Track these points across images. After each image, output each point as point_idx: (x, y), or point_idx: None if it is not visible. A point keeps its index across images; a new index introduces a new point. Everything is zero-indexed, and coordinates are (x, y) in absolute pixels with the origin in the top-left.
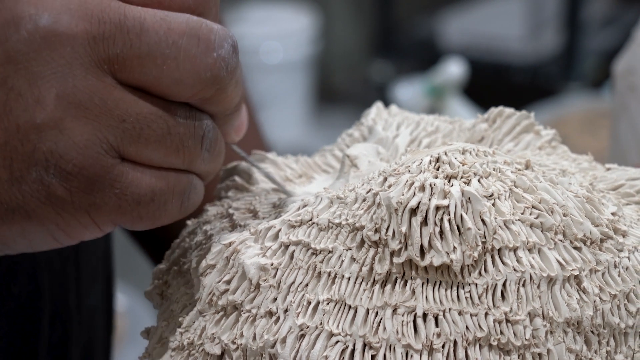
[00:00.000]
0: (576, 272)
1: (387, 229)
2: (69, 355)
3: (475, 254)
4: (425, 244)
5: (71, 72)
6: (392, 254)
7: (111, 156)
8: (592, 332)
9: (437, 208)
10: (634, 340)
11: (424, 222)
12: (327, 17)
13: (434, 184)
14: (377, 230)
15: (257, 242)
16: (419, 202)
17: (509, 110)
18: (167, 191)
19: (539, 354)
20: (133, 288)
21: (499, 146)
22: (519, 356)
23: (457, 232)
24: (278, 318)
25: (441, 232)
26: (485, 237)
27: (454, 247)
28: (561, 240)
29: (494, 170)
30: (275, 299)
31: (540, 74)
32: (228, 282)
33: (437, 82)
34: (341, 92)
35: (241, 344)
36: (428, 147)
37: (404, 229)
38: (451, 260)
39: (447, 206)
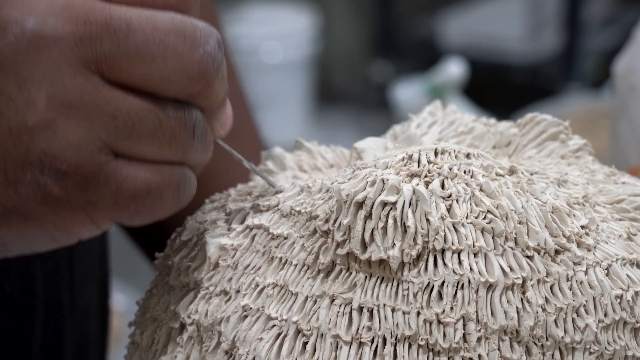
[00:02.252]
0: (520, 281)
1: (335, 220)
2: (63, 354)
3: (413, 253)
4: (367, 239)
5: (60, 74)
6: (337, 245)
7: (104, 153)
8: (534, 342)
9: (385, 204)
10: (582, 356)
11: (369, 216)
12: (327, 17)
13: (387, 180)
14: (326, 221)
15: (227, 222)
16: (366, 197)
17: (540, 117)
18: (162, 184)
19: (470, 358)
20: (133, 288)
21: (521, 152)
22: (448, 358)
23: (400, 229)
24: (230, 298)
25: (384, 228)
26: (428, 237)
27: (393, 244)
28: (511, 248)
29: (464, 172)
30: (230, 279)
31: (540, 74)
32: (192, 259)
33: (437, 82)
34: (341, 92)
35: (195, 319)
36: None
37: (346, 221)
38: (388, 257)
39: (395, 203)
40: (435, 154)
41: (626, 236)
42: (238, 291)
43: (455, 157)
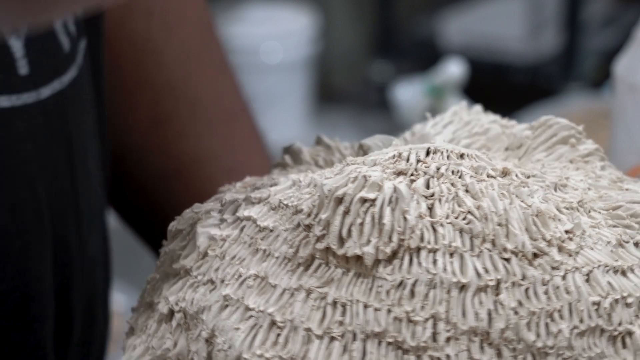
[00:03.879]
0: (493, 283)
1: (316, 215)
2: (72, 301)
3: (388, 250)
4: (345, 234)
5: None
6: (316, 240)
7: None
8: (505, 345)
9: (364, 200)
10: None
11: (347, 212)
12: (327, 17)
13: (369, 177)
14: (309, 215)
15: (221, 213)
16: (345, 192)
17: (553, 120)
18: None
19: (438, 358)
20: (133, 288)
21: (530, 154)
22: (417, 357)
23: (377, 226)
24: (215, 287)
25: (362, 224)
26: (404, 235)
27: (369, 240)
28: (488, 249)
29: (452, 172)
30: (217, 269)
31: (540, 74)
32: (184, 248)
33: (437, 82)
34: (341, 92)
35: (182, 307)
36: (466, 147)
37: (324, 216)
38: (363, 253)
39: (374, 200)
40: (428, 153)
41: (617, 243)
42: (223, 281)
43: (447, 157)
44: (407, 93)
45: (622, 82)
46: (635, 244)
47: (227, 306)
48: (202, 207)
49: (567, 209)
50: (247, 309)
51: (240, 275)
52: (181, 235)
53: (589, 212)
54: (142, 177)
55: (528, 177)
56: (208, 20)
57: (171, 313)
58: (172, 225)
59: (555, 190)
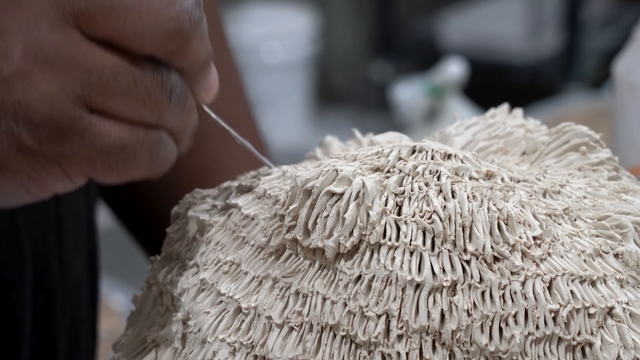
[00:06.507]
0: (449, 284)
1: (288, 205)
2: (55, 325)
3: (347, 244)
4: (311, 226)
5: (37, 27)
6: (287, 230)
7: (78, 107)
8: (458, 347)
9: (332, 194)
10: None
11: (315, 204)
12: (327, 17)
13: (340, 171)
14: (283, 205)
15: (214, 199)
16: (314, 185)
17: (569, 127)
18: (136, 143)
19: (389, 355)
20: (133, 288)
21: (541, 160)
22: (368, 352)
23: (341, 220)
24: (197, 271)
25: (327, 217)
26: (365, 231)
27: (331, 234)
28: (449, 250)
29: (429, 172)
30: (202, 254)
31: (540, 74)
32: (177, 231)
33: (437, 82)
34: (341, 92)
35: (169, 289)
36: (480, 151)
37: (292, 207)
38: (324, 245)
39: (342, 194)
40: (413, 151)
41: (593, 253)
42: (204, 265)
43: (432, 157)
44: (407, 93)
45: (622, 82)
46: (616, 255)
47: (203, 290)
48: (201, 193)
49: (548, 215)
50: (219, 294)
51: (219, 261)
52: (178, 218)
53: (575, 220)
54: (135, 187)
55: (518, 181)
56: (216, 21)
57: (161, 294)
58: (174, 210)
59: (544, 196)
